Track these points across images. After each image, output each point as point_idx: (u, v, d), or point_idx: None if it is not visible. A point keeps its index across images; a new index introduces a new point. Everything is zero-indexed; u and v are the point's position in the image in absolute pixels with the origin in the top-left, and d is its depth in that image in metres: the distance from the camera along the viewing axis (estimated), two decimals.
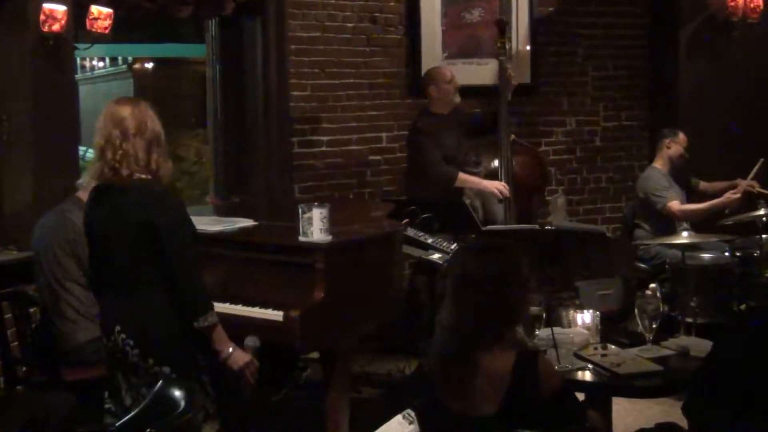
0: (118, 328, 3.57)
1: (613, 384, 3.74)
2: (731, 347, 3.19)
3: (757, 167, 6.41)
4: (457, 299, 3.08)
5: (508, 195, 6.09)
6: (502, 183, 6.11)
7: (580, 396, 3.49)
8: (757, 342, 3.06)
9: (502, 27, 6.44)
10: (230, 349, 3.64)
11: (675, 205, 6.41)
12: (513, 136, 6.35)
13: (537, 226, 6.28)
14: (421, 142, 6.15)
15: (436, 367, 3.12)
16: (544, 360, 3.16)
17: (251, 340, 3.77)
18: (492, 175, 6.22)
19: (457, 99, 6.26)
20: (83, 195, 4.60)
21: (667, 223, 6.37)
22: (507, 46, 6.39)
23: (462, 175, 6.09)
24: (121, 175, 3.54)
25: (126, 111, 3.58)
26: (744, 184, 6.45)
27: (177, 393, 2.88)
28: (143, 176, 3.56)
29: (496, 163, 6.27)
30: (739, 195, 6.34)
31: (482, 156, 6.40)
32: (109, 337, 3.61)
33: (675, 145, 6.66)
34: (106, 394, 3.75)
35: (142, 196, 3.53)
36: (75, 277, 4.48)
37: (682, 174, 6.75)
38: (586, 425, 3.12)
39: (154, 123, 3.60)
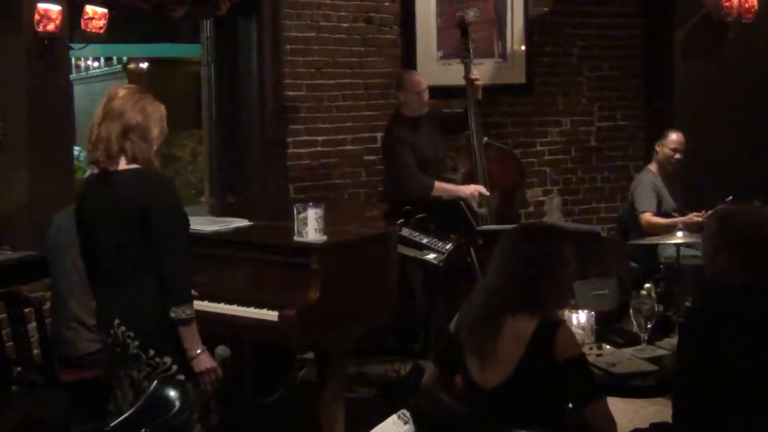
0: (117, 321, 3.53)
1: (608, 384, 3.72)
2: (688, 341, 3.29)
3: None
4: (501, 268, 3.30)
5: (485, 195, 6.10)
6: (478, 186, 6.12)
7: None
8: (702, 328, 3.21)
9: (465, 28, 6.44)
10: (199, 351, 3.54)
11: (646, 216, 6.42)
12: (486, 139, 6.36)
13: None
14: (396, 151, 6.17)
15: (465, 322, 3.31)
16: (567, 329, 3.23)
17: (222, 350, 3.74)
18: (470, 178, 6.24)
19: (425, 109, 6.26)
20: None
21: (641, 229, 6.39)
22: (471, 47, 6.40)
23: (438, 184, 6.11)
24: (96, 158, 3.53)
25: (117, 94, 3.58)
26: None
27: (172, 393, 2.88)
28: (134, 166, 3.53)
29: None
30: (701, 219, 6.33)
31: (458, 161, 6.42)
32: (108, 331, 3.57)
33: (662, 149, 6.65)
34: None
35: (133, 185, 3.51)
36: None
37: (674, 179, 6.73)
38: (588, 406, 3.13)
39: (136, 113, 3.54)
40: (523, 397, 3.15)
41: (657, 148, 6.69)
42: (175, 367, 3.51)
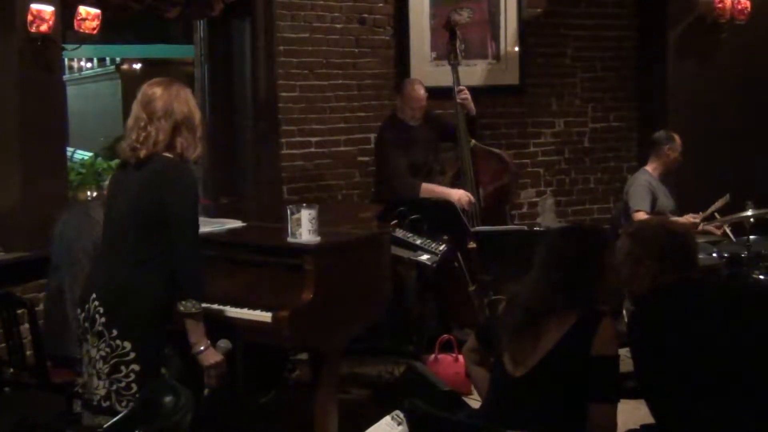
0: (94, 295, 3.57)
1: None
2: (637, 344, 3.40)
3: (719, 203, 6.36)
4: (543, 269, 3.30)
5: (469, 205, 6.10)
6: (466, 192, 6.12)
7: None
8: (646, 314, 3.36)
9: (453, 31, 6.44)
10: (203, 347, 3.61)
11: (639, 215, 6.40)
12: (473, 141, 6.36)
13: (525, 228, 6.32)
14: (386, 154, 6.19)
15: (508, 323, 3.32)
16: (608, 325, 3.20)
17: (224, 342, 3.74)
18: (457, 180, 6.25)
19: (416, 122, 6.27)
20: None
21: None
22: (459, 50, 6.39)
23: (425, 186, 6.12)
24: (138, 155, 3.58)
25: (156, 93, 3.61)
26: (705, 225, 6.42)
27: (166, 395, 2.88)
28: (167, 155, 3.59)
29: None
30: (698, 221, 6.34)
31: (446, 163, 6.41)
32: (84, 306, 3.61)
33: (673, 153, 6.66)
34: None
35: (158, 171, 3.56)
36: None
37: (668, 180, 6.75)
38: (597, 405, 3.15)
39: (182, 105, 3.62)
40: (549, 386, 3.16)
41: (667, 152, 6.64)
42: (133, 354, 3.52)
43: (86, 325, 3.60)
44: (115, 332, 3.52)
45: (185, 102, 3.64)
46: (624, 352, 3.95)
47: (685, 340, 3.22)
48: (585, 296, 3.23)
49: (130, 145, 3.60)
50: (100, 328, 3.54)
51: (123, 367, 3.52)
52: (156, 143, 3.56)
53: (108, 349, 3.53)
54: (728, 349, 3.19)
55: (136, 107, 3.63)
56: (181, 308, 3.53)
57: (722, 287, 3.61)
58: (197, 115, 3.69)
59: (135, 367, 3.52)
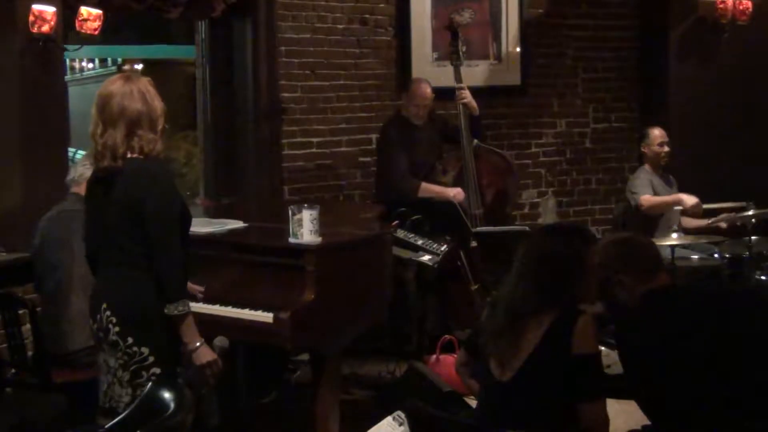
0: (104, 305, 3.53)
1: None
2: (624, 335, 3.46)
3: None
4: (523, 269, 3.28)
5: (464, 198, 6.10)
6: (462, 190, 6.12)
7: None
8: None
9: (455, 31, 6.43)
10: (198, 344, 3.52)
11: (644, 198, 6.41)
12: (475, 141, 6.35)
13: (527, 228, 6.31)
14: (388, 153, 6.18)
15: (489, 326, 3.32)
16: (588, 320, 3.18)
17: (220, 341, 3.70)
18: (460, 180, 6.24)
19: (419, 122, 6.26)
20: (78, 189, 4.60)
21: (645, 227, 6.37)
22: (462, 51, 6.39)
23: (424, 186, 6.10)
24: (104, 166, 3.51)
25: (109, 97, 3.50)
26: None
27: (167, 395, 2.88)
28: (136, 156, 3.50)
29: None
30: (699, 202, 6.35)
31: (448, 163, 6.41)
32: (95, 316, 3.57)
33: (649, 148, 6.67)
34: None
35: (132, 175, 3.48)
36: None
37: (667, 174, 6.75)
38: (586, 404, 3.15)
39: (135, 102, 3.49)
40: (536, 388, 3.15)
41: (644, 150, 6.71)
42: (151, 358, 3.50)
43: (100, 335, 3.57)
44: (130, 340, 3.49)
45: (139, 98, 3.50)
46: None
47: (669, 347, 3.26)
48: (564, 296, 3.21)
49: (95, 153, 3.54)
50: (114, 338, 3.50)
51: (144, 372, 3.49)
52: (115, 150, 3.47)
53: (126, 357, 3.50)
54: (706, 353, 3.24)
55: (93, 111, 3.53)
56: (167, 311, 3.45)
57: (699, 293, 3.72)
58: (156, 108, 3.55)
59: (155, 370, 3.49)
